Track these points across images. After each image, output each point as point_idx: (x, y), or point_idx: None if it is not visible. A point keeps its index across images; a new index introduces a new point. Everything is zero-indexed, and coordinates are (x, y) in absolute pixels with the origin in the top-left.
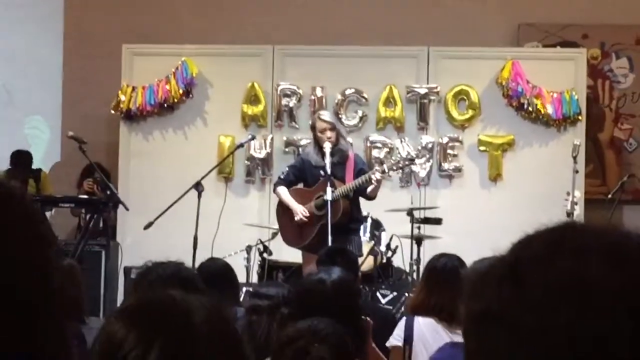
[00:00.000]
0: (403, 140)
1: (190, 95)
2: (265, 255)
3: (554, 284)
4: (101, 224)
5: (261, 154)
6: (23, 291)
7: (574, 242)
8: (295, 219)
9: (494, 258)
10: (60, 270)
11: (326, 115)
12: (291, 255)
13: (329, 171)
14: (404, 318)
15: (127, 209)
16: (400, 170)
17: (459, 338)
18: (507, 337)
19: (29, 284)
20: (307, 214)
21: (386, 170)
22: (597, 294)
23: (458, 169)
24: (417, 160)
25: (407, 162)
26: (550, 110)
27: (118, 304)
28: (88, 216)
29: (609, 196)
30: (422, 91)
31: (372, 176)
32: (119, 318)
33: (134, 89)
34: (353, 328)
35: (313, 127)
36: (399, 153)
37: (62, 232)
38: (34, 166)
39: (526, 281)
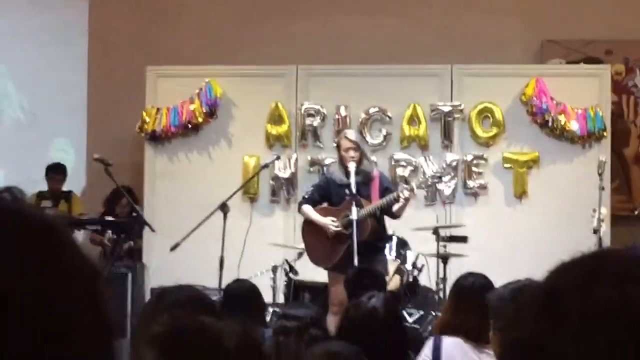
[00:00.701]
0: (427, 158)
1: (215, 116)
2: (291, 275)
3: (593, 312)
4: (126, 246)
5: (286, 174)
6: (77, 326)
7: (612, 270)
8: (329, 232)
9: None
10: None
11: (351, 134)
12: (317, 275)
13: (354, 190)
14: (432, 338)
15: (153, 230)
16: (428, 188)
17: (486, 357)
18: None
19: (82, 318)
20: (339, 225)
21: (414, 188)
22: (638, 322)
23: (483, 187)
24: (444, 178)
25: (435, 180)
26: (575, 126)
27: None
28: (115, 237)
29: (636, 212)
30: (446, 109)
31: (401, 194)
32: (152, 345)
33: (158, 110)
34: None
35: (338, 146)
36: (424, 171)
37: None
38: (65, 187)
39: (564, 310)
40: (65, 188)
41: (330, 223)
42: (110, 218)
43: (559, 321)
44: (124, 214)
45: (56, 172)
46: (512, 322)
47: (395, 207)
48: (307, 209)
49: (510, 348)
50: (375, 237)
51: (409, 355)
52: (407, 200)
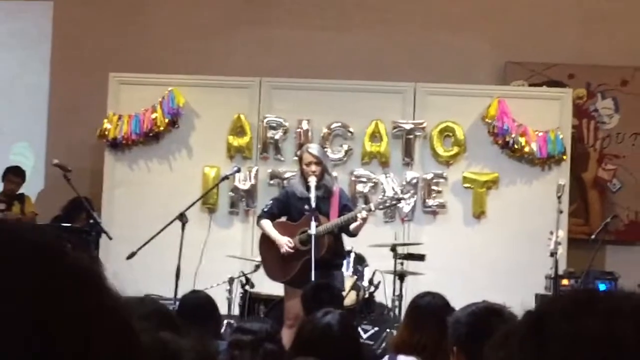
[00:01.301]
0: (388, 175)
1: (176, 125)
2: (247, 287)
3: (580, 341)
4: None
5: (246, 186)
6: None
7: (602, 304)
8: (282, 251)
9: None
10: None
11: (314, 149)
12: (273, 288)
13: (313, 205)
14: (387, 356)
15: (110, 237)
16: (386, 210)
17: None
18: None
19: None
20: (293, 245)
21: (372, 209)
22: (627, 355)
23: (442, 206)
24: (403, 201)
25: (394, 202)
26: (535, 148)
27: None
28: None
29: (592, 237)
30: (408, 127)
31: (359, 214)
32: None
33: (120, 117)
34: None
35: (300, 159)
36: (385, 191)
37: None
38: (20, 191)
39: (550, 336)
40: (21, 192)
41: (286, 243)
42: (67, 224)
43: (545, 346)
44: (81, 224)
45: (16, 174)
46: (499, 345)
47: (352, 226)
48: (265, 223)
49: None
50: (332, 254)
51: None
52: (364, 220)
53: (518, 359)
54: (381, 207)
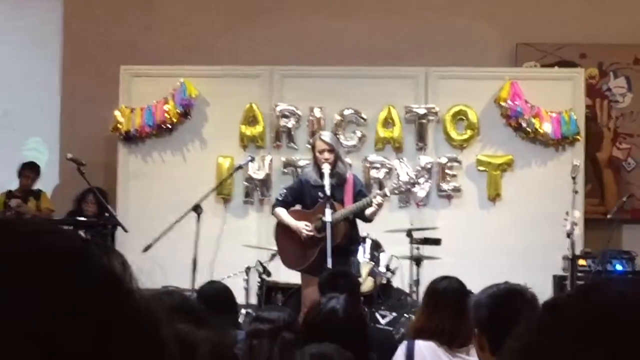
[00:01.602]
0: (402, 160)
1: (189, 117)
2: (264, 276)
3: (592, 313)
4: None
5: (260, 175)
6: None
7: (613, 286)
8: (302, 236)
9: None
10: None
11: (327, 136)
12: (290, 276)
13: (327, 193)
14: (405, 342)
15: (125, 230)
16: (401, 194)
17: None
18: None
19: None
20: (311, 229)
21: (388, 194)
22: (634, 325)
23: (457, 189)
24: (417, 185)
25: (409, 186)
26: (548, 130)
27: None
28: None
29: (609, 216)
30: (421, 111)
31: (374, 200)
32: None
33: (132, 110)
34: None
35: (313, 147)
36: (400, 176)
37: None
38: (36, 187)
39: (567, 313)
40: (36, 187)
41: (304, 227)
42: (82, 218)
43: (562, 324)
44: (91, 212)
45: (31, 169)
46: (516, 331)
47: (367, 212)
48: (280, 211)
49: (512, 354)
50: (347, 241)
51: (371, 357)
52: (379, 205)
53: (536, 341)
54: (396, 192)
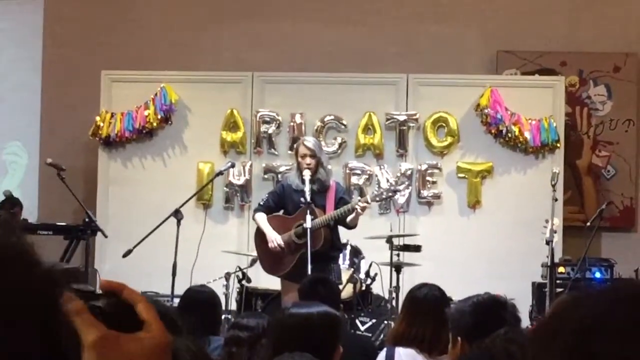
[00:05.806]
0: (382, 167)
1: (169, 122)
2: (244, 282)
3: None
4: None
5: (240, 181)
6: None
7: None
8: (269, 246)
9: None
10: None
11: (310, 142)
12: (270, 282)
13: (308, 198)
14: (385, 349)
15: (105, 236)
16: (382, 201)
17: None
18: None
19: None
20: (281, 244)
21: (369, 201)
22: None
23: (437, 196)
24: (399, 192)
25: (390, 194)
26: (528, 137)
27: None
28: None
29: (588, 224)
30: (401, 118)
31: (356, 206)
32: None
33: (112, 115)
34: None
35: (296, 152)
36: (380, 182)
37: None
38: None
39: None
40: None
41: (274, 239)
42: (62, 223)
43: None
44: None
45: (11, 203)
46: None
47: (349, 218)
48: (260, 217)
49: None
50: (328, 247)
51: None
52: (363, 210)
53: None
54: (377, 199)
